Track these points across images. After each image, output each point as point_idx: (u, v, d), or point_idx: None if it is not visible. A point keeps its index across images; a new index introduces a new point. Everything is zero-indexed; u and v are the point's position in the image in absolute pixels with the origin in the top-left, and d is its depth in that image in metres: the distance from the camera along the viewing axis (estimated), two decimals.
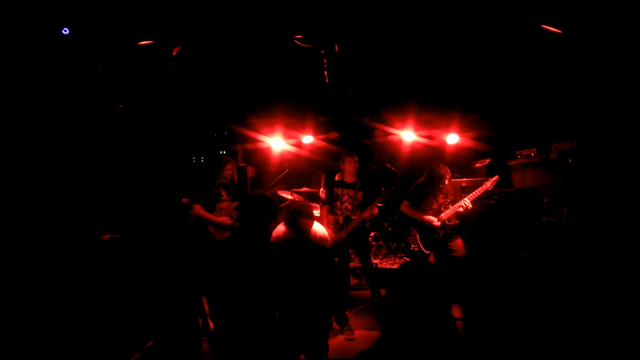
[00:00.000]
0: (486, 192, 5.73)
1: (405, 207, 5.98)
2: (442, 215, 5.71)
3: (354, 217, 5.76)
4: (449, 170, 5.85)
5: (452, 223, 5.70)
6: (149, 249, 5.65)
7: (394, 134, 8.53)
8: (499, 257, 5.84)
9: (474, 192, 5.69)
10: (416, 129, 8.34)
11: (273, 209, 3.29)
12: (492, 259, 5.95)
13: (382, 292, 6.15)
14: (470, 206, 5.63)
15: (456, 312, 5.72)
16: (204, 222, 5.56)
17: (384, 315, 2.26)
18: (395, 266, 7.84)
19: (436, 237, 5.74)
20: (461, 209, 5.64)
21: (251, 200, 3.28)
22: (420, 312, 2.11)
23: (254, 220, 3.17)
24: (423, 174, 5.96)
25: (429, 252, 5.78)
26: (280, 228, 4.68)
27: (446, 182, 5.80)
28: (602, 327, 4.25)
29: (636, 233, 4.52)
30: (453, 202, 5.74)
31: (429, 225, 5.74)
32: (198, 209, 5.55)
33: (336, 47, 5.78)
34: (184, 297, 3.53)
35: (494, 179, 5.76)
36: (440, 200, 5.79)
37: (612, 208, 4.96)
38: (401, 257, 8.23)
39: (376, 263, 7.70)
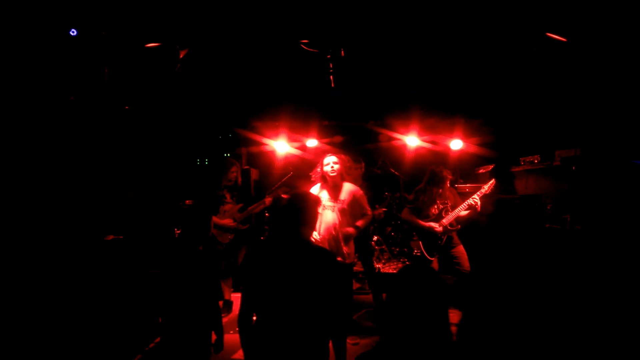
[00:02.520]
0: (485, 196, 5.73)
1: (406, 214, 5.99)
2: (444, 220, 5.72)
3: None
4: (449, 172, 5.87)
5: (454, 228, 5.71)
6: (153, 251, 5.68)
7: (398, 139, 8.53)
8: (502, 263, 5.85)
9: (472, 197, 5.68)
10: (420, 134, 8.34)
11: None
12: (496, 265, 5.96)
13: (384, 296, 6.17)
14: (479, 204, 5.60)
15: (455, 318, 5.76)
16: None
17: (383, 319, 2.26)
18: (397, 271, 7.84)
19: (439, 243, 5.75)
20: (463, 213, 5.64)
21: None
22: (419, 316, 2.13)
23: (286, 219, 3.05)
24: (423, 179, 6.00)
25: (432, 258, 5.78)
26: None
27: (447, 184, 5.82)
28: (605, 333, 4.25)
29: (639, 241, 4.53)
30: (453, 207, 5.75)
31: (431, 232, 5.75)
32: None
33: (342, 52, 5.80)
34: (191, 302, 3.52)
35: (491, 183, 5.76)
36: (441, 206, 5.81)
37: (615, 216, 4.96)
38: (404, 262, 8.23)
39: (379, 267, 7.71)
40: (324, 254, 3.04)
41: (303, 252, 2.97)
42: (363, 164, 5.97)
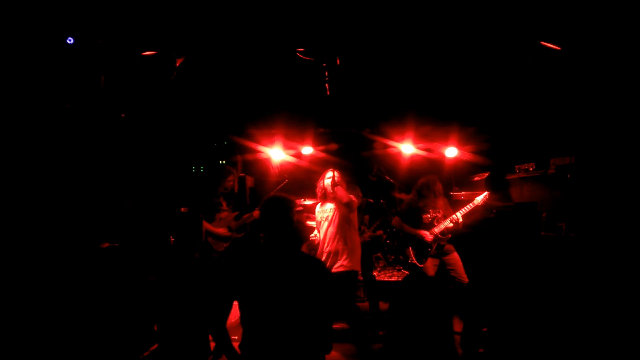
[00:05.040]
0: (477, 207, 5.80)
1: (396, 221, 6.07)
2: (435, 229, 5.78)
3: None
4: (440, 184, 5.95)
5: (445, 237, 5.76)
6: (148, 258, 5.66)
7: (393, 147, 8.55)
8: (497, 271, 5.86)
9: (464, 208, 5.76)
10: (415, 142, 8.36)
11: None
12: (491, 273, 5.97)
13: (380, 304, 6.17)
14: (461, 220, 5.70)
15: (457, 326, 5.76)
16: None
17: (384, 328, 2.26)
18: (393, 279, 7.85)
19: (429, 251, 5.79)
20: (451, 224, 5.70)
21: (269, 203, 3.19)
22: (421, 325, 2.13)
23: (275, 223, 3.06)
24: (413, 188, 6.07)
25: (422, 265, 5.83)
26: None
27: (438, 195, 5.90)
28: (600, 341, 4.26)
29: (634, 249, 4.55)
30: (445, 217, 5.82)
31: (421, 239, 5.80)
32: None
33: (337, 60, 5.83)
34: (187, 309, 3.50)
35: (484, 194, 5.83)
36: (433, 214, 5.87)
37: (611, 224, 4.98)
38: (399, 270, 8.24)
39: (374, 275, 7.71)
40: (303, 262, 3.03)
41: (279, 259, 2.96)
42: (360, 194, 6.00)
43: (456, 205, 6.07)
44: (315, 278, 2.94)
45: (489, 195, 5.85)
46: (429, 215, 5.88)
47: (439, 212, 5.88)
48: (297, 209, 6.61)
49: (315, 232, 5.57)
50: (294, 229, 3.11)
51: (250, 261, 2.99)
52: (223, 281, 3.06)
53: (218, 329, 3.01)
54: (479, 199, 5.79)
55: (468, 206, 5.78)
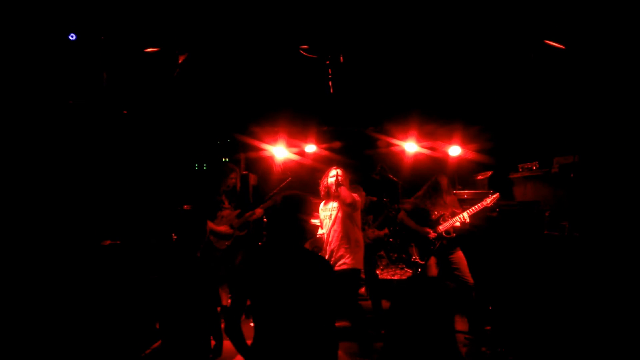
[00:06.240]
0: (485, 208, 5.76)
1: (402, 216, 6.04)
2: (440, 227, 5.74)
3: None
4: (449, 183, 5.92)
5: (449, 236, 5.71)
6: (150, 256, 5.66)
7: (397, 145, 8.54)
8: (501, 269, 5.84)
9: (473, 207, 5.73)
10: (418, 140, 8.34)
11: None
12: (494, 272, 5.95)
13: (383, 302, 6.16)
14: (468, 220, 5.66)
15: (460, 325, 5.74)
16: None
17: (385, 327, 2.24)
18: (396, 277, 7.84)
19: (432, 248, 5.76)
20: (458, 223, 5.67)
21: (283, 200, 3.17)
22: (423, 324, 2.11)
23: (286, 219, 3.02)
24: (424, 185, 6.03)
25: (423, 262, 5.80)
26: None
27: (448, 191, 5.86)
28: (604, 340, 4.24)
29: (638, 248, 4.52)
30: (452, 215, 5.77)
31: (424, 236, 5.77)
32: None
33: (341, 58, 5.81)
34: (189, 308, 3.50)
35: (494, 196, 5.79)
36: (441, 212, 5.83)
37: (614, 223, 4.96)
38: (402, 268, 8.22)
39: (377, 274, 7.70)
40: (313, 260, 3.01)
41: (292, 257, 2.94)
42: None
43: (459, 204, 6.04)
44: (321, 275, 2.94)
45: (499, 196, 5.82)
46: (436, 213, 5.85)
47: (447, 210, 5.83)
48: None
49: (321, 229, 5.56)
50: (303, 227, 3.10)
51: (262, 258, 2.99)
52: (235, 279, 3.05)
53: (232, 327, 2.99)
54: (489, 200, 5.75)
55: (477, 206, 5.74)
